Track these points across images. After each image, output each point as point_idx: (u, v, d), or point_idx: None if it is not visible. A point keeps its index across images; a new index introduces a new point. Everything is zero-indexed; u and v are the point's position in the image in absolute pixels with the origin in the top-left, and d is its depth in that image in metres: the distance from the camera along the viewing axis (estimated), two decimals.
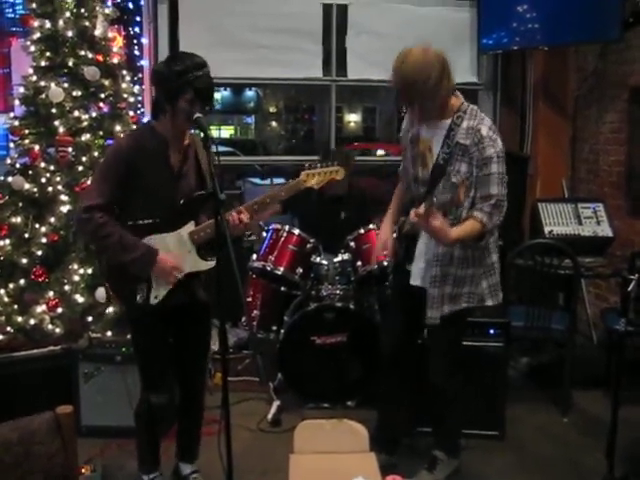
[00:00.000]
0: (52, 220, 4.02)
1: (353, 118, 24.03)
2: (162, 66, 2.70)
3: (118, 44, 4.54)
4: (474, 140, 2.76)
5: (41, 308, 3.97)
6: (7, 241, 4.04)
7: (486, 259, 2.97)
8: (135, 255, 2.65)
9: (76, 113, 4.08)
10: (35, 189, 4.05)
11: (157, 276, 2.73)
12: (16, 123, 4.14)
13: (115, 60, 4.29)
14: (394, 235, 3.19)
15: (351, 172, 4.32)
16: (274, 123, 23.68)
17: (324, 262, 4.27)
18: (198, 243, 2.78)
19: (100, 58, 4.19)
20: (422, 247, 3.01)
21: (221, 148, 2.55)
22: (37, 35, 4.11)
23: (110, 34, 4.34)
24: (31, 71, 4.12)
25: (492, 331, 3.71)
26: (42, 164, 4.06)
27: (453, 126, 2.81)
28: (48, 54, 4.10)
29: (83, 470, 3.20)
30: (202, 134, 2.48)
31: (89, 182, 3.56)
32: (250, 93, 24.70)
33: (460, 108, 2.83)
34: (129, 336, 3.05)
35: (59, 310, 3.96)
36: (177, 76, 2.57)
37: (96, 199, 2.65)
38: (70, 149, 4.05)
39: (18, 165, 4.12)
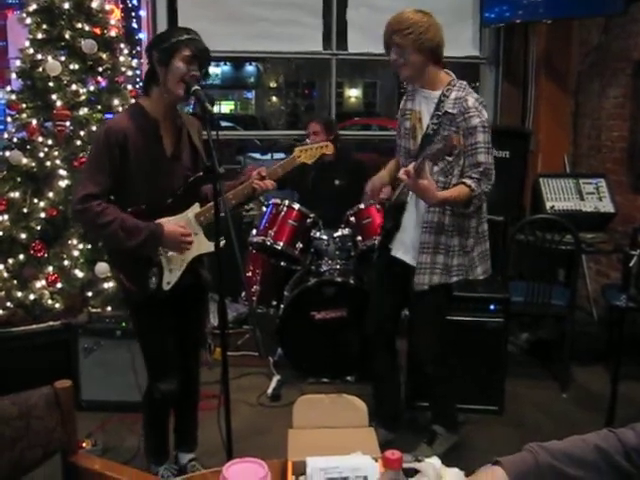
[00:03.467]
0: (51, 195, 4.01)
1: (354, 93, 23.92)
2: (159, 33, 2.68)
3: (116, 17, 4.49)
4: (460, 109, 2.81)
5: (41, 283, 3.97)
6: (6, 216, 4.02)
7: (477, 228, 2.99)
8: (140, 238, 2.54)
9: (74, 87, 4.05)
10: (33, 164, 4.03)
11: (170, 249, 2.66)
12: (13, 97, 4.10)
13: (113, 33, 4.24)
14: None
15: (336, 139, 4.43)
16: (274, 98, 23.58)
17: (324, 237, 4.27)
18: (204, 224, 2.72)
19: (97, 31, 4.15)
20: (409, 220, 3.03)
21: (221, 123, 2.51)
22: (33, 7, 4.06)
23: (108, 6, 4.29)
24: (28, 44, 4.07)
25: (492, 306, 3.70)
26: (40, 138, 4.04)
27: (442, 97, 2.87)
28: (45, 27, 4.06)
29: (84, 444, 3.23)
30: (200, 107, 2.44)
31: (82, 170, 3.42)
32: (250, 68, 24.57)
33: (450, 82, 2.91)
34: (132, 323, 2.98)
35: (58, 285, 3.97)
36: (173, 37, 2.54)
37: (91, 188, 2.51)
38: (68, 123, 4.03)
39: (16, 140, 4.09)
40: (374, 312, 3.32)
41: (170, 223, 2.64)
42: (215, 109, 2.71)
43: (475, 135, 2.78)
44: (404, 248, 3.07)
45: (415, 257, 2.99)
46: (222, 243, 2.40)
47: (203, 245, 2.74)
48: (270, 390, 3.97)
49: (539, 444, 1.34)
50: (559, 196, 4.47)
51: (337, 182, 4.62)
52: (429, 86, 2.93)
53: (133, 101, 3.98)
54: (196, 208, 2.73)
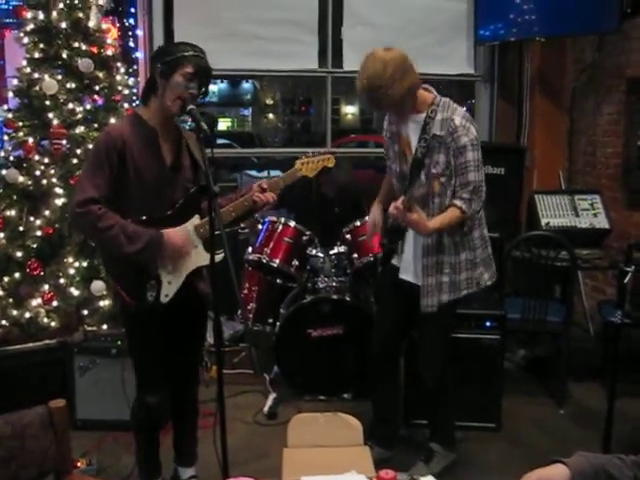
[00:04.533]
0: (47, 213, 4.00)
1: (350, 110, 23.99)
2: (164, 45, 2.66)
3: (112, 36, 4.51)
4: (449, 130, 2.81)
5: (36, 301, 3.96)
6: (2, 234, 4.02)
7: (482, 235, 3.00)
8: (140, 244, 2.52)
9: (70, 105, 4.06)
10: (29, 182, 4.03)
11: (169, 256, 2.63)
12: (10, 115, 4.11)
13: (109, 52, 4.26)
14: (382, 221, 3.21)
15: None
16: (271, 115, 23.67)
17: (320, 254, 4.28)
18: (204, 237, 2.71)
19: (94, 50, 4.17)
20: (410, 240, 3.04)
21: (218, 140, 2.52)
22: (30, 26, 4.09)
23: (104, 25, 4.32)
24: (25, 63, 4.09)
25: (488, 323, 3.70)
26: (36, 157, 4.05)
27: (428, 120, 2.86)
28: (42, 46, 4.08)
29: (79, 464, 3.21)
30: (196, 126, 2.44)
31: (80, 175, 3.42)
32: (247, 85, 24.68)
33: (434, 102, 2.89)
34: (125, 335, 2.97)
35: (54, 303, 3.95)
36: (177, 51, 2.55)
37: (90, 192, 2.50)
38: (64, 142, 4.04)
39: (12, 158, 4.10)
40: (379, 330, 3.31)
41: (171, 231, 2.63)
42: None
43: (465, 154, 2.79)
44: (408, 268, 3.07)
45: (418, 277, 3.00)
46: (220, 257, 2.40)
47: (202, 257, 2.73)
48: (266, 408, 3.95)
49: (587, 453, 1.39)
50: (554, 212, 4.47)
51: (337, 210, 4.65)
52: (413, 110, 2.91)
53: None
54: (196, 220, 2.72)
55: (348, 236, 4.23)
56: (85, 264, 3.99)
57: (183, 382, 3.02)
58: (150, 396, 2.81)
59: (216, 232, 2.31)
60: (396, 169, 3.07)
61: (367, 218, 4.10)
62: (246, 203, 2.76)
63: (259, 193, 2.77)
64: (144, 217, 2.61)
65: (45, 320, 3.94)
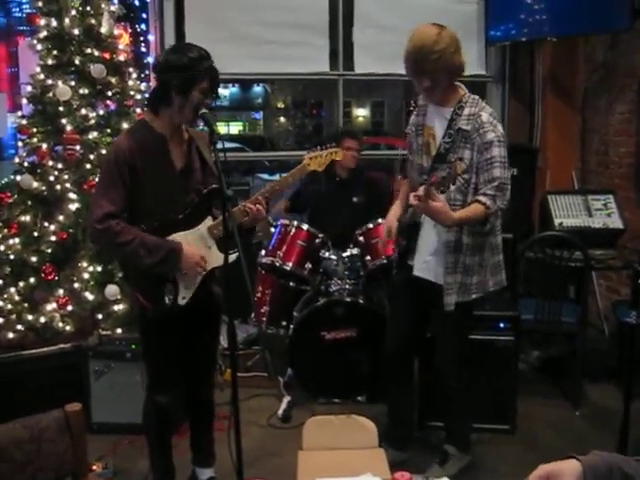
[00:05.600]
0: (61, 218, 4.04)
1: (361, 112, 24.00)
2: (172, 55, 2.62)
3: (124, 41, 4.55)
4: (475, 126, 2.80)
5: (51, 306, 3.99)
6: (17, 240, 4.06)
7: (493, 243, 2.99)
8: (160, 256, 2.58)
9: (83, 111, 4.09)
10: (43, 187, 4.07)
11: (185, 270, 2.67)
12: (24, 122, 4.15)
13: (122, 57, 4.29)
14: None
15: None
16: (282, 118, 23.70)
17: (333, 257, 4.27)
18: (217, 237, 2.74)
19: (107, 56, 4.20)
20: (426, 239, 3.02)
21: (230, 144, 2.53)
22: (44, 33, 4.13)
23: (116, 31, 4.34)
24: (38, 70, 4.13)
25: (502, 325, 3.69)
26: (50, 162, 4.08)
27: (455, 115, 2.86)
28: (55, 52, 4.12)
29: (95, 467, 3.22)
30: (208, 130, 2.46)
31: (94, 191, 3.44)
32: (258, 89, 24.74)
33: (462, 98, 2.89)
34: (140, 338, 2.99)
35: (69, 308, 3.98)
36: (192, 65, 2.54)
37: (107, 207, 2.54)
38: (78, 147, 4.07)
39: (26, 164, 4.14)
40: (393, 331, 3.31)
41: (190, 245, 2.67)
42: (224, 130, 2.75)
43: (491, 150, 2.77)
44: (425, 267, 3.05)
45: (438, 276, 2.99)
46: (234, 257, 2.40)
47: (216, 258, 2.74)
48: (280, 411, 3.95)
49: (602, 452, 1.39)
50: (567, 213, 4.45)
51: (355, 199, 4.62)
52: (442, 102, 2.92)
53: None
54: (209, 221, 2.75)
55: (361, 238, 4.23)
56: (99, 268, 4.01)
57: (198, 383, 3.04)
58: (160, 395, 2.85)
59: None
60: (417, 162, 3.05)
61: (380, 220, 4.13)
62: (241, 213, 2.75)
63: (251, 205, 2.75)
64: (157, 223, 2.64)
65: (60, 324, 3.97)
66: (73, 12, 4.11)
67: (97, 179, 2.95)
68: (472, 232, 2.89)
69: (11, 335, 3.97)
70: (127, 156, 2.57)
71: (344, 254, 4.28)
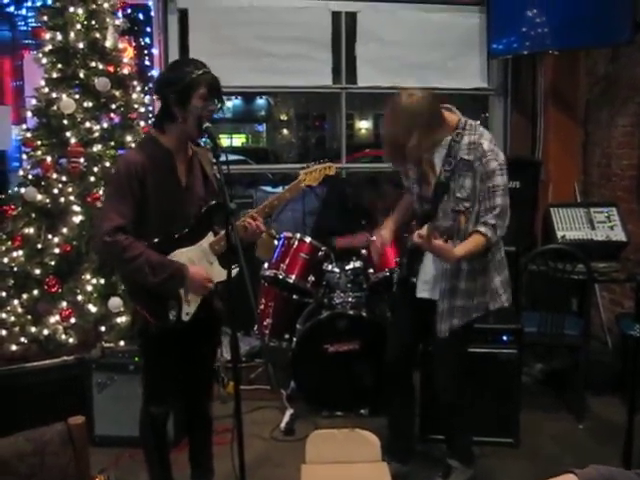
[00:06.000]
0: (65, 231, 4.05)
1: (364, 125, 24.03)
2: (167, 73, 2.71)
3: (129, 55, 4.56)
4: (477, 155, 2.79)
5: (54, 318, 3.99)
6: (20, 252, 4.06)
7: (497, 259, 2.99)
8: (165, 275, 2.58)
9: (87, 124, 4.11)
10: (47, 200, 4.08)
11: (192, 291, 2.68)
12: (28, 135, 4.17)
13: (126, 71, 4.32)
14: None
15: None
16: (285, 131, 23.73)
17: (336, 270, 4.28)
18: (219, 253, 2.75)
19: (111, 69, 4.23)
20: (428, 262, 3.03)
21: (233, 157, 2.55)
22: (49, 47, 4.15)
23: (120, 45, 4.37)
24: (43, 83, 4.15)
25: (505, 337, 3.69)
26: (54, 175, 4.10)
27: (453, 143, 2.84)
28: (59, 66, 4.14)
29: None
30: (212, 143, 2.48)
31: (102, 204, 3.44)
32: (261, 101, 24.78)
33: (458, 124, 2.87)
34: (140, 352, 3.00)
35: (72, 320, 3.98)
36: (186, 75, 2.56)
37: (117, 220, 2.54)
38: (82, 160, 4.09)
39: (30, 176, 4.15)
40: (395, 339, 3.30)
41: (194, 263, 2.68)
42: (227, 142, 2.77)
43: (493, 178, 2.77)
44: (427, 287, 3.06)
45: (435, 292, 2.99)
46: (235, 271, 2.42)
47: (218, 274, 2.75)
48: (283, 424, 3.94)
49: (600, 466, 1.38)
50: (570, 225, 4.46)
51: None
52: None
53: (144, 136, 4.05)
54: (210, 237, 2.76)
55: (364, 251, 4.23)
56: (102, 281, 4.01)
57: (196, 397, 3.04)
58: (155, 407, 2.85)
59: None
60: (417, 192, 3.04)
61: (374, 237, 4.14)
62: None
63: (250, 220, 2.77)
64: (158, 239, 2.64)
65: (63, 337, 3.97)
66: (78, 26, 4.14)
67: (106, 191, 2.96)
68: (473, 258, 2.89)
69: (14, 347, 3.97)
70: (138, 170, 2.58)
71: (347, 267, 4.28)
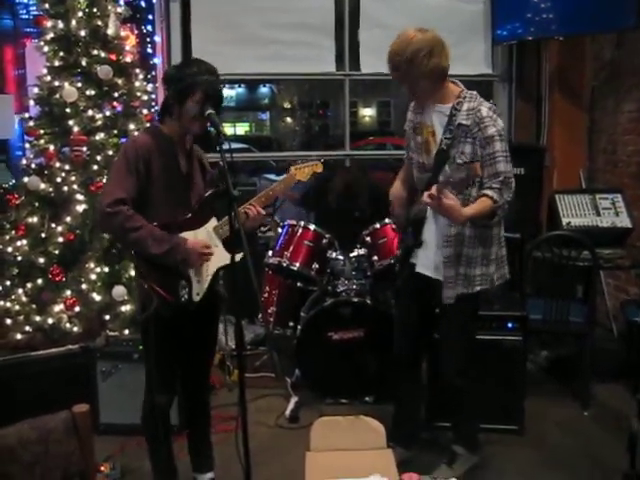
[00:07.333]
0: (68, 219, 4.05)
1: (368, 112, 23.95)
2: (172, 69, 2.80)
3: (131, 43, 4.55)
4: (475, 120, 2.81)
5: (59, 307, 4.00)
6: (24, 241, 4.07)
7: (497, 235, 2.99)
8: (167, 247, 2.61)
9: (90, 112, 4.11)
10: (51, 189, 4.08)
11: (192, 262, 2.70)
12: (31, 123, 4.16)
13: (128, 59, 4.31)
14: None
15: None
16: (289, 119, 23.69)
17: (340, 257, 4.27)
18: (222, 237, 2.79)
19: (113, 57, 4.22)
20: (429, 235, 3.03)
21: (236, 145, 2.55)
22: (50, 35, 4.15)
23: (123, 33, 4.36)
24: (45, 71, 4.14)
25: (510, 325, 3.67)
26: (57, 164, 4.10)
27: (454, 111, 2.86)
28: (61, 54, 4.14)
29: (102, 468, 3.22)
30: (215, 131, 2.49)
31: (106, 180, 3.50)
32: (264, 89, 24.73)
33: (460, 94, 2.90)
34: (143, 339, 2.99)
35: (76, 309, 4.00)
36: (187, 77, 2.62)
37: (120, 193, 2.57)
38: (85, 148, 4.08)
39: (34, 165, 4.16)
40: (401, 333, 3.30)
41: (192, 238, 2.72)
42: (231, 131, 2.80)
43: (492, 144, 2.78)
44: (427, 263, 3.06)
45: (438, 271, 2.99)
46: (239, 257, 2.42)
47: (223, 257, 2.78)
48: (288, 412, 3.94)
49: None
50: (575, 212, 4.44)
51: (357, 214, 4.67)
52: (440, 100, 2.92)
53: (148, 125, 4.08)
54: (213, 222, 2.80)
55: (368, 238, 4.23)
56: (106, 269, 4.02)
57: (195, 386, 3.05)
58: (159, 396, 2.84)
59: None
60: (418, 160, 3.05)
61: (387, 220, 4.15)
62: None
63: (248, 208, 2.84)
64: (162, 223, 2.67)
65: (67, 325, 3.98)
66: (80, 14, 4.13)
67: (111, 169, 2.98)
68: (474, 224, 2.89)
69: (19, 336, 3.99)
70: (145, 152, 2.64)
71: (351, 254, 4.28)
